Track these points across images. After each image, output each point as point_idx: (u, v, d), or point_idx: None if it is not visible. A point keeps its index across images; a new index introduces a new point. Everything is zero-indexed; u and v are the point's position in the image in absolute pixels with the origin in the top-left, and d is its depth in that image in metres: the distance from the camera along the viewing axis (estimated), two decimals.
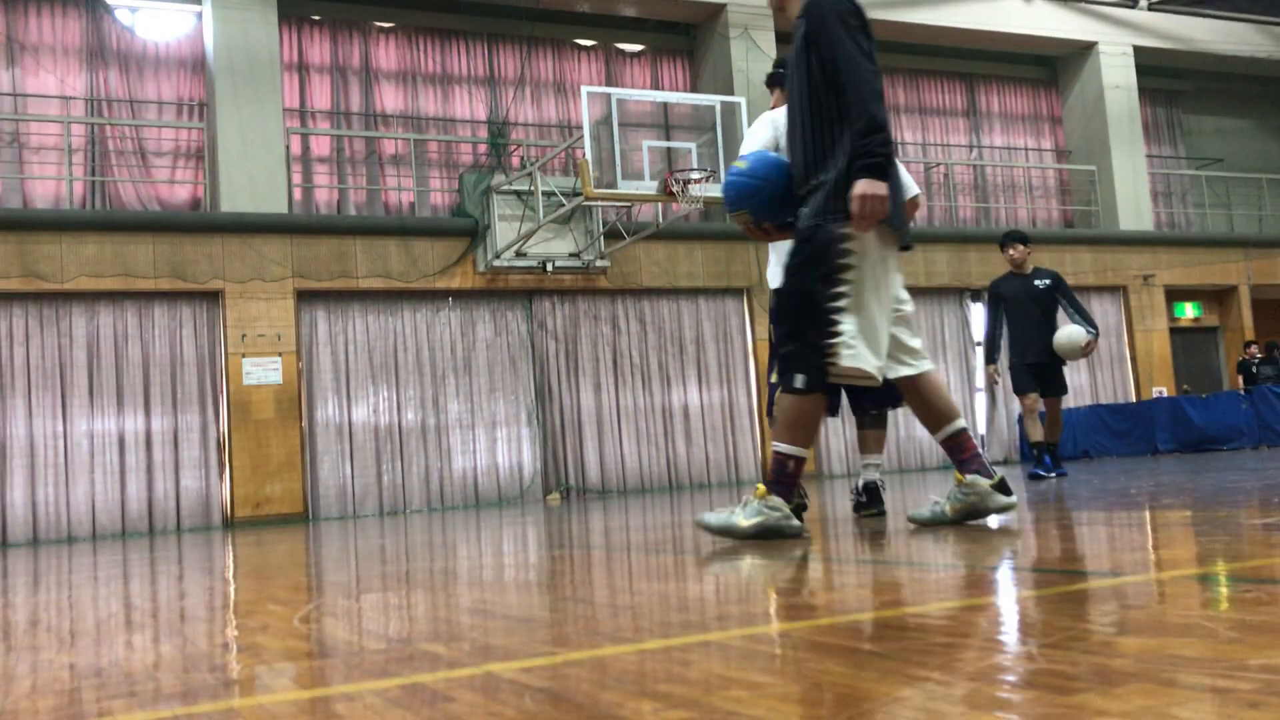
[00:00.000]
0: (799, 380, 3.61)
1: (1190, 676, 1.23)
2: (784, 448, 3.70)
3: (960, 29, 17.07)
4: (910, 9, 16.65)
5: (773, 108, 4.88)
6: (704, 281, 14.63)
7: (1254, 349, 17.08)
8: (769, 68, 5.17)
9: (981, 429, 16.53)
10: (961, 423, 3.89)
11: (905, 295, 3.93)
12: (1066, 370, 8.35)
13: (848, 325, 3.55)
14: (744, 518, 3.69)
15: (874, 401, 4.75)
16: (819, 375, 3.59)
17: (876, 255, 3.62)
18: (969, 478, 3.81)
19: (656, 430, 14.33)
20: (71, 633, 2.59)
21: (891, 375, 3.81)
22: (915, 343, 3.90)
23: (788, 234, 3.97)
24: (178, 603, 3.32)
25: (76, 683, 1.80)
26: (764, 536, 3.65)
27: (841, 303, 3.56)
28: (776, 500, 3.68)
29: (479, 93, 15.12)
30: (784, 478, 3.69)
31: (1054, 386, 8.30)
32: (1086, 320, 8.09)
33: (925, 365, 3.90)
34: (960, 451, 3.86)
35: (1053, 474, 8.01)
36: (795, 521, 3.75)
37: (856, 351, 3.55)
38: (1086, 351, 8.06)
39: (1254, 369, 16.53)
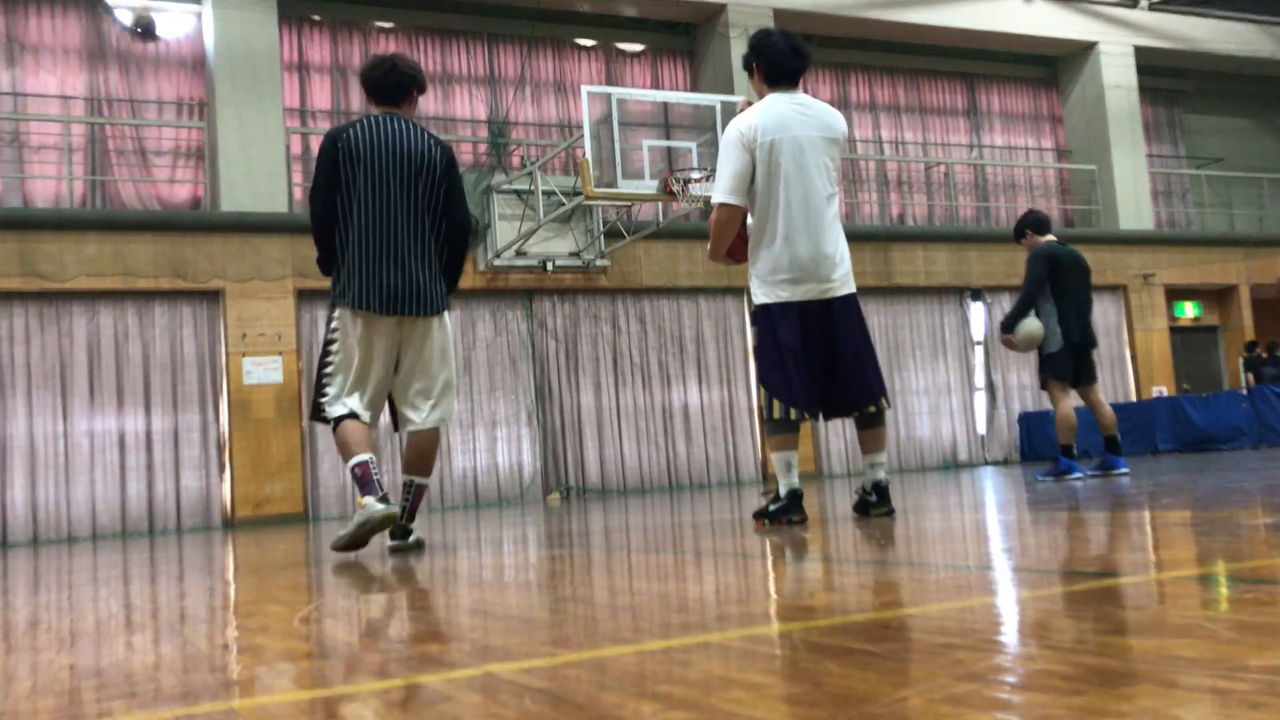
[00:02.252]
0: (325, 422, 4.68)
1: (1190, 677, 1.23)
2: (346, 467, 4.60)
3: (960, 29, 17.06)
4: (910, 9, 16.65)
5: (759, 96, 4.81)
6: (704, 281, 14.63)
7: (1258, 349, 17.08)
8: None
9: (981, 429, 16.53)
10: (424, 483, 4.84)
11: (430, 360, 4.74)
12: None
13: (330, 386, 4.63)
14: (347, 528, 4.50)
15: (829, 409, 4.76)
16: (328, 420, 4.63)
17: (353, 332, 4.59)
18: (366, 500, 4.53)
19: (656, 430, 14.33)
20: (72, 633, 2.59)
21: (410, 424, 4.76)
22: (427, 403, 4.74)
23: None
24: (178, 603, 3.32)
25: (76, 683, 1.80)
26: (362, 532, 4.41)
27: (328, 368, 4.66)
28: (366, 500, 4.45)
29: (479, 92, 15.12)
30: (362, 482, 4.50)
31: (1080, 375, 7.73)
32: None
33: (424, 425, 4.75)
34: (408, 502, 4.78)
35: (1108, 471, 7.49)
36: (380, 507, 4.40)
37: (333, 403, 4.62)
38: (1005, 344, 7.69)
39: (1258, 368, 16.54)
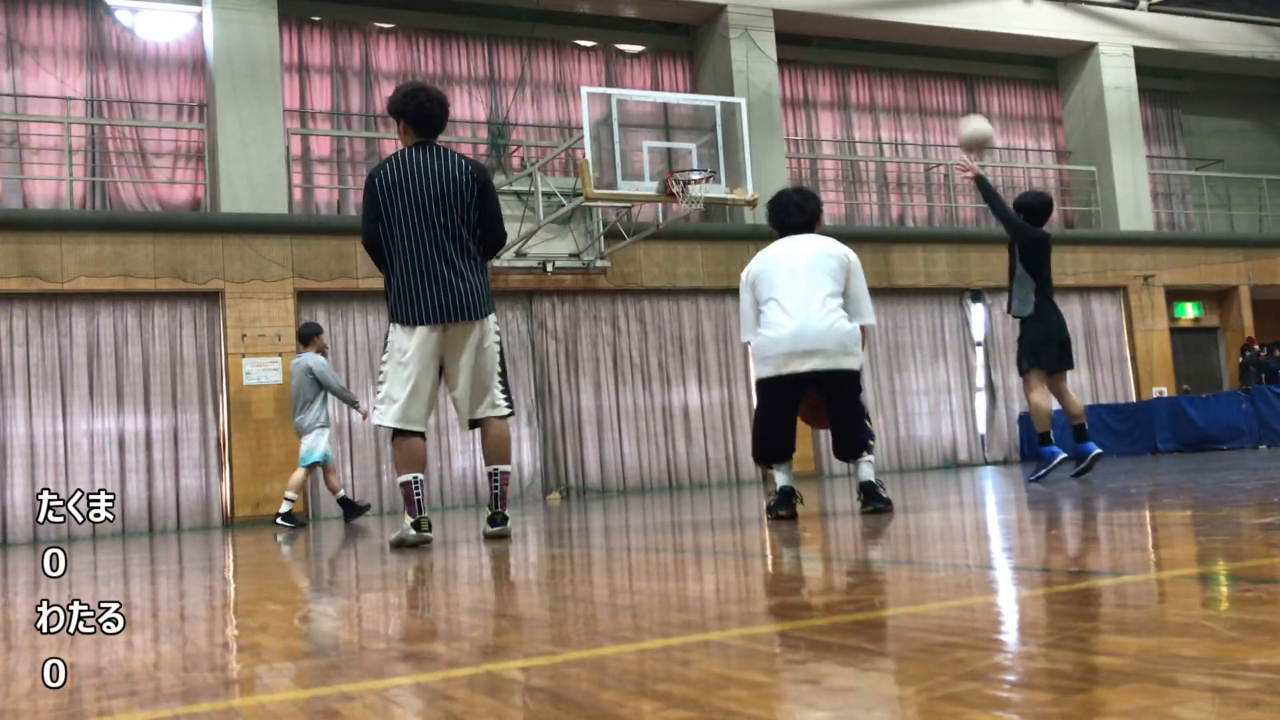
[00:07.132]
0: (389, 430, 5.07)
1: (1190, 676, 1.23)
2: (397, 479, 5.03)
3: (960, 29, 17.06)
4: (910, 9, 16.65)
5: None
6: (704, 281, 14.63)
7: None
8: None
9: (981, 429, 16.53)
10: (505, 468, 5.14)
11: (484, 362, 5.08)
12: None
13: (380, 393, 5.03)
14: (396, 534, 5.01)
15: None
16: (393, 429, 4.99)
17: (400, 343, 4.96)
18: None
19: (656, 430, 14.33)
20: (72, 631, 2.59)
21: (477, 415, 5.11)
22: (472, 398, 5.07)
23: None
24: (178, 602, 3.32)
25: (77, 682, 1.80)
26: (399, 546, 4.83)
27: (380, 377, 5.07)
28: (406, 519, 4.94)
29: (479, 93, 15.11)
30: (405, 499, 4.98)
31: (1063, 360, 7.54)
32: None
33: (477, 416, 5.10)
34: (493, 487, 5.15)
35: (1082, 458, 7.28)
36: (413, 532, 4.83)
37: (381, 411, 5.01)
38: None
39: (1260, 367, 16.53)
